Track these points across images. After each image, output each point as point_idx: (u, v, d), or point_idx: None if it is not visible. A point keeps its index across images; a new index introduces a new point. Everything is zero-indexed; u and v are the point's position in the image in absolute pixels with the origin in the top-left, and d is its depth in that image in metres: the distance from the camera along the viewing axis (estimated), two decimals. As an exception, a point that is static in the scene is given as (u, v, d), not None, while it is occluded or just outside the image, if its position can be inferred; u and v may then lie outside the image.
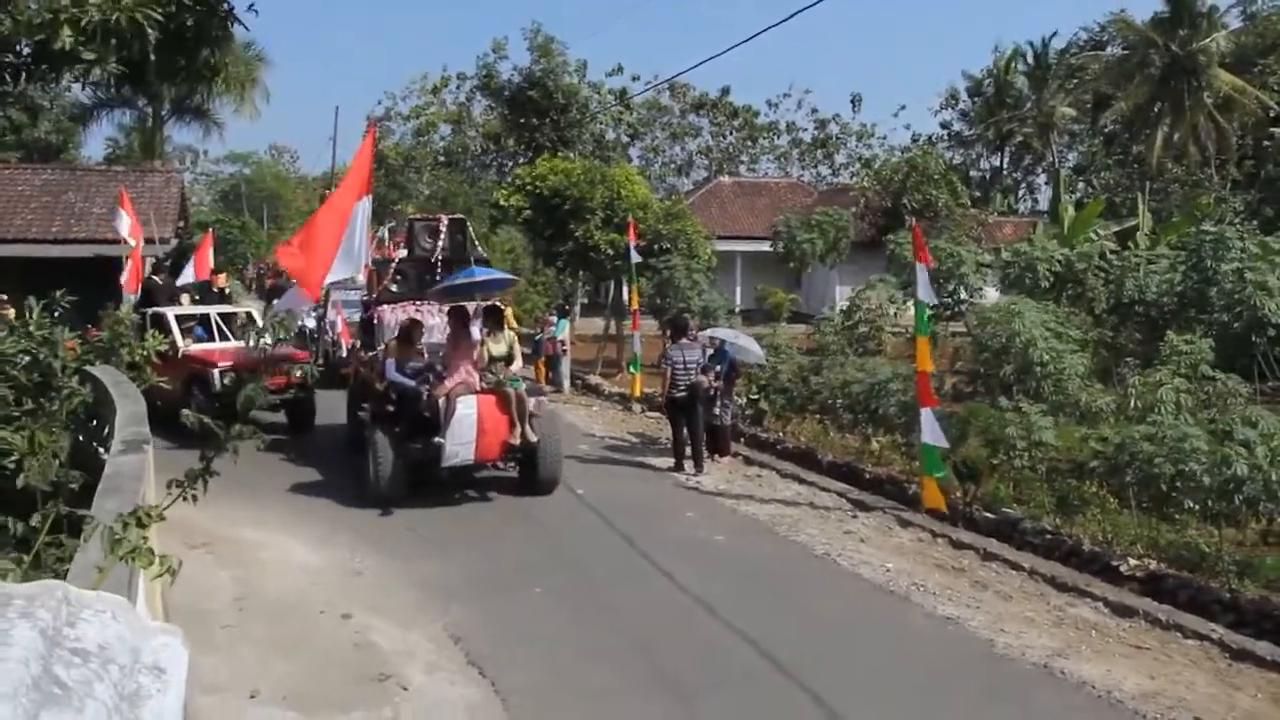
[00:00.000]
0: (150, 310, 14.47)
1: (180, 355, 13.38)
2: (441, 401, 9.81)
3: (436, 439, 9.79)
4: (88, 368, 8.42)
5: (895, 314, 17.77)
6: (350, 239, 10.99)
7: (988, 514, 9.97)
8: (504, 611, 7.43)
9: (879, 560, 8.82)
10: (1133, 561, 8.45)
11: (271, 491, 10.65)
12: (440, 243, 12.43)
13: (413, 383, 10.32)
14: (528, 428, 10.20)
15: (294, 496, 10.57)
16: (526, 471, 10.68)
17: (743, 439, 13.95)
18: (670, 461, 12.46)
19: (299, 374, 13.81)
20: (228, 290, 19.88)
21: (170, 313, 14.30)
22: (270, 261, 43.29)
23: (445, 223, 12.63)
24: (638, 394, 17.20)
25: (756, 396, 14.67)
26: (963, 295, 16.80)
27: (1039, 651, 6.79)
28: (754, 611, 7.43)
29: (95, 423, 7.88)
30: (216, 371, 13.07)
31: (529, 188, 23.48)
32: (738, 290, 34.69)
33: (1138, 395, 10.05)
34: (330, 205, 11.45)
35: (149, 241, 18.16)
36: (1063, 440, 10.33)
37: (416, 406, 10.03)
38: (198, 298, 17.34)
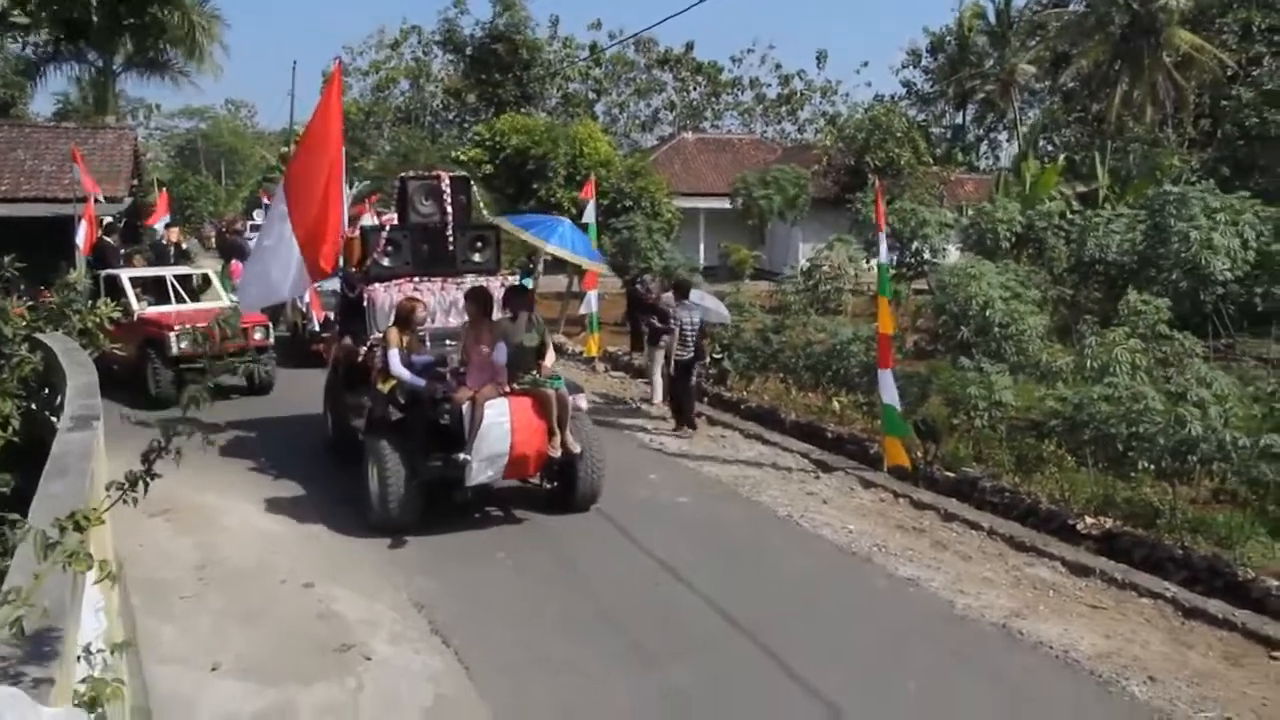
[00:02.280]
0: (104, 272, 14.17)
1: (136, 319, 13.12)
2: (465, 407, 8.00)
3: (461, 454, 7.96)
4: (38, 335, 8.23)
5: (855, 274, 17.82)
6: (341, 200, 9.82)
7: (948, 473, 10.06)
8: (467, 579, 7.41)
9: (841, 521, 8.89)
10: (1089, 520, 8.56)
11: (232, 457, 10.52)
12: (444, 205, 9.97)
13: (424, 382, 8.48)
14: (569, 436, 8.42)
15: (255, 462, 10.42)
16: (561, 486, 8.89)
17: (706, 399, 13.97)
18: (645, 422, 12.63)
19: (257, 336, 13.69)
20: (185, 247, 19.52)
21: (124, 274, 14.01)
22: (229, 218, 42.60)
23: (446, 182, 10.04)
24: (597, 353, 17.16)
25: (720, 356, 14.68)
26: (926, 255, 16.86)
27: (998, 612, 6.89)
28: (718, 575, 7.47)
29: (47, 391, 7.72)
30: (173, 335, 12.84)
31: (490, 144, 23.22)
32: (701, 247, 34.60)
33: (1094, 356, 10.15)
34: (309, 168, 9.67)
35: (105, 200, 17.78)
36: (1022, 399, 10.44)
37: (434, 413, 8.21)
38: (151, 257, 17.04)
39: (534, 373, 8.47)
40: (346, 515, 8.63)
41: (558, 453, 8.33)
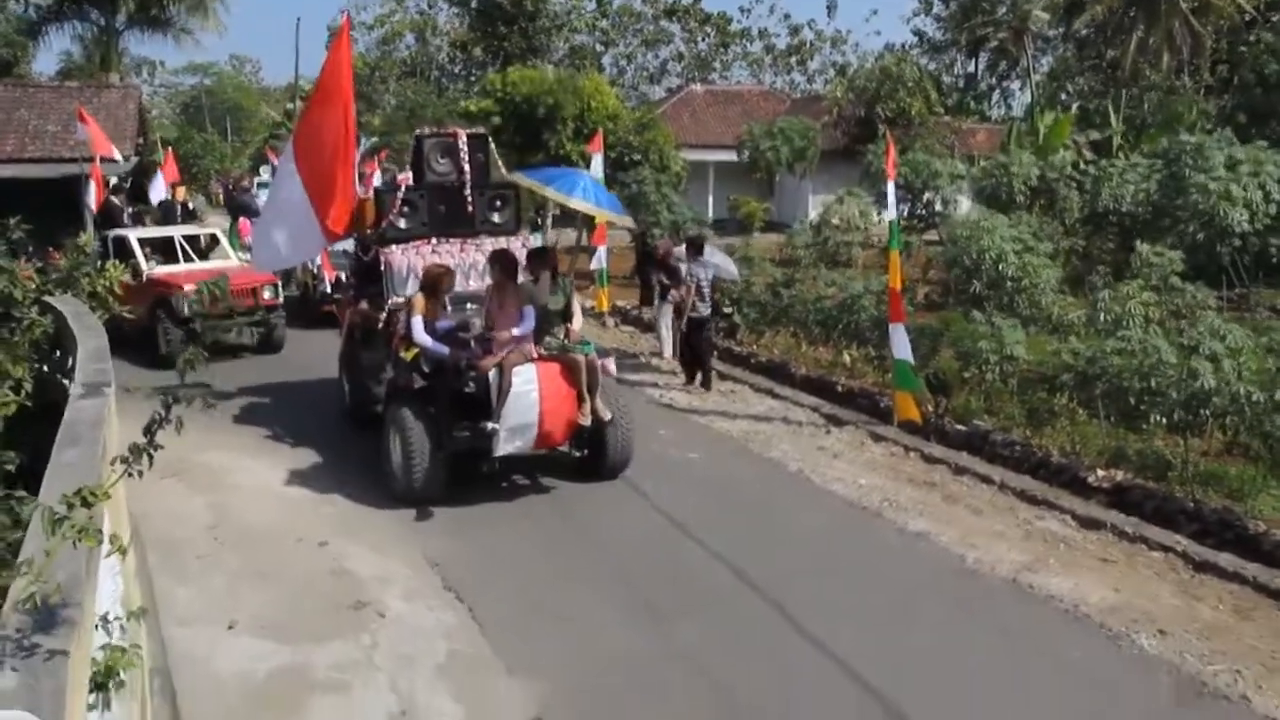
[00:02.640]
0: (112, 233, 14.15)
1: (145, 279, 13.13)
2: (492, 374, 7.74)
3: (488, 424, 7.72)
4: (47, 298, 8.24)
5: (866, 228, 17.70)
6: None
7: (959, 426, 10.05)
8: (480, 536, 7.45)
9: (851, 476, 8.90)
10: (1100, 473, 8.56)
11: (243, 418, 10.56)
12: (461, 164, 9.50)
13: (448, 350, 8.11)
14: (599, 403, 8.13)
15: (266, 422, 10.46)
16: (591, 454, 8.60)
17: (716, 353, 13.94)
18: (655, 377, 12.66)
19: (266, 295, 13.70)
20: (191, 206, 19.46)
21: (133, 235, 13.99)
22: (236, 175, 42.45)
23: (463, 140, 9.60)
24: (606, 308, 17.14)
25: (730, 310, 14.63)
26: (937, 207, 16.75)
27: (1008, 566, 6.91)
28: (729, 532, 7.50)
29: (58, 354, 7.74)
30: (183, 295, 12.85)
31: (499, 94, 23.02)
32: (710, 200, 34.38)
33: (1107, 309, 10.07)
34: (318, 127, 9.14)
35: (109, 160, 17.71)
36: (1034, 353, 10.39)
37: (458, 381, 7.92)
38: (159, 216, 17.00)
39: (561, 337, 8.31)
40: (359, 474, 8.67)
41: (588, 421, 8.04)
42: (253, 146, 60.01)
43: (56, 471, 3.51)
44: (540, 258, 8.69)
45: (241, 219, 20.42)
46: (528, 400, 7.74)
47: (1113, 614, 6.19)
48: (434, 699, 5.29)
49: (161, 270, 13.57)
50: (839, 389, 11.72)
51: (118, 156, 17.46)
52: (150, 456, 2.74)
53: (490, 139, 9.99)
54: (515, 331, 8.00)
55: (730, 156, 31.18)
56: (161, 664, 5.47)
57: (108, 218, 15.21)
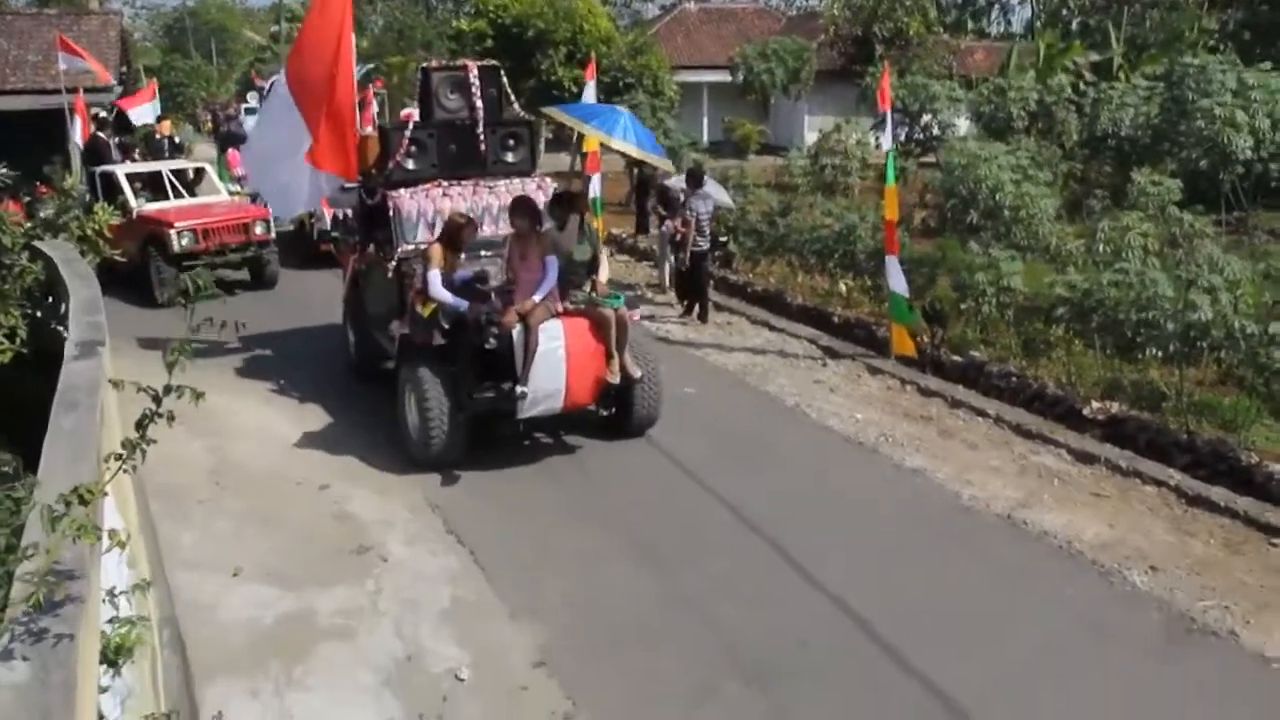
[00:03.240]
0: (99, 169, 13.95)
1: (135, 216, 12.99)
2: (516, 331, 7.26)
3: (513, 385, 7.31)
4: (37, 243, 8.16)
5: (863, 156, 17.49)
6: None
7: (955, 357, 10.07)
8: (480, 478, 7.49)
9: (848, 410, 8.95)
10: (1095, 405, 8.61)
11: (240, 358, 10.54)
12: (473, 100, 8.83)
13: (468, 305, 7.57)
14: (628, 359, 7.71)
15: (264, 362, 10.45)
16: (617, 412, 8.21)
17: (713, 283, 13.90)
18: (650, 309, 12.63)
19: (258, 230, 13.58)
20: (178, 139, 19.18)
21: (120, 171, 13.79)
22: (223, 101, 41.75)
23: (474, 73, 8.86)
24: (602, 237, 17.01)
25: (725, 239, 14.55)
26: (935, 131, 16.56)
27: (1003, 503, 6.98)
28: (728, 470, 7.56)
29: (51, 299, 7.69)
30: (174, 232, 12.73)
31: (490, 15, 22.56)
32: (704, 123, 33.94)
33: (1105, 239, 10.02)
34: (314, 59, 9.03)
35: (98, 89, 17.43)
36: (1030, 282, 10.37)
37: (479, 338, 7.40)
38: (146, 150, 16.76)
39: (589, 290, 7.84)
40: (359, 416, 8.71)
41: (617, 379, 7.59)
42: (239, 70, 58.95)
43: (56, 439, 3.51)
44: (566, 202, 8.15)
45: (230, 150, 20.16)
46: (554, 359, 7.34)
47: (1105, 550, 6.28)
48: (438, 644, 5.38)
49: (151, 207, 13.42)
50: (835, 320, 11.72)
51: (109, 82, 17.13)
52: (144, 452, 2.74)
53: (501, 72, 9.32)
54: (539, 285, 7.51)
55: (725, 77, 30.71)
56: (169, 613, 5.55)
57: (94, 153, 14.97)
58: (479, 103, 8.85)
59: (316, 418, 8.77)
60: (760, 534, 6.53)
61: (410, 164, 8.76)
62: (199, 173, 14.93)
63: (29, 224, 9.05)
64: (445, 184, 8.79)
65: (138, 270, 12.85)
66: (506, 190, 8.73)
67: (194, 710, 4.77)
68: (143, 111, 19.07)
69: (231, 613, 5.68)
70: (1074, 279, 9.40)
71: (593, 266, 7.98)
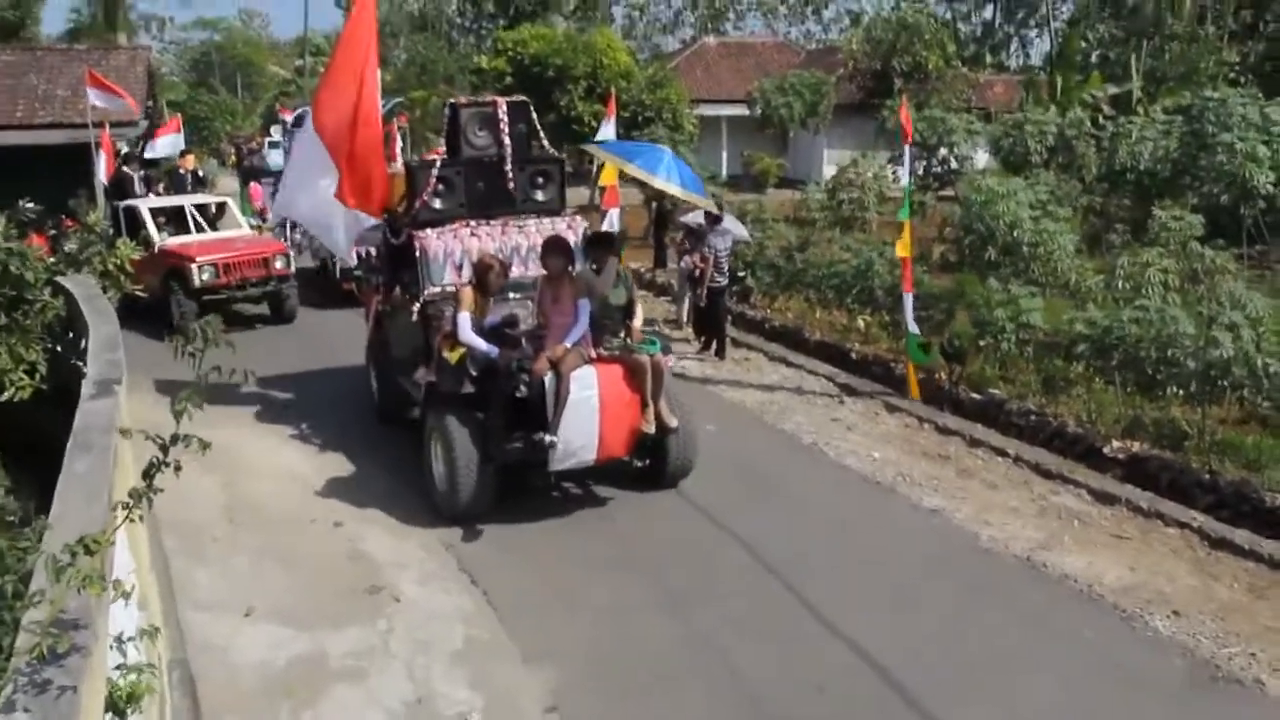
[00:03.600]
0: (123, 204, 14.12)
1: (157, 250, 13.12)
2: (548, 379, 6.97)
3: (544, 435, 6.94)
4: (59, 279, 8.23)
5: (881, 190, 17.49)
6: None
7: (974, 395, 10.00)
8: (493, 518, 7.42)
9: (865, 449, 8.88)
10: (1116, 444, 8.51)
11: (256, 394, 10.55)
12: (501, 136, 8.51)
13: (498, 351, 7.25)
14: (664, 407, 7.38)
15: (277, 397, 10.49)
16: (652, 463, 7.85)
17: (730, 318, 13.89)
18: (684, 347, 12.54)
19: (279, 265, 13.69)
20: (201, 173, 19.40)
21: (143, 206, 13.96)
22: (246, 135, 42.28)
23: (504, 109, 8.57)
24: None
25: (743, 274, 14.55)
26: (953, 165, 16.55)
27: (1023, 544, 6.89)
28: (744, 509, 7.50)
29: (71, 335, 7.76)
30: (195, 266, 12.85)
31: (510, 53, 22.80)
32: (723, 156, 34.05)
33: (1126, 275, 9.96)
34: (340, 93, 8.61)
35: (124, 124, 17.66)
36: (1050, 317, 10.31)
37: (509, 386, 7.08)
38: (170, 184, 16.95)
39: (624, 335, 7.47)
40: (373, 455, 8.70)
41: (652, 429, 7.26)
42: (263, 104, 59.72)
43: (69, 482, 3.53)
44: (603, 244, 7.84)
45: (252, 184, 20.38)
46: (587, 408, 7.00)
47: (1127, 594, 6.18)
48: (450, 686, 5.34)
49: (173, 241, 13.56)
50: (853, 356, 11.68)
51: (136, 116, 17.31)
52: (150, 501, 2.74)
53: (531, 107, 8.99)
54: (571, 329, 7.22)
55: (744, 111, 30.84)
56: (180, 654, 5.54)
57: (119, 187, 15.17)
58: (507, 139, 8.56)
59: (329, 455, 8.77)
60: (777, 576, 6.46)
61: (437, 203, 8.47)
62: (221, 207, 15.07)
63: (52, 259, 9.15)
64: (473, 223, 8.53)
65: (159, 304, 12.96)
66: (536, 230, 8.55)
67: (203, 754, 4.74)
68: (166, 144, 19.32)
69: (243, 654, 5.66)
70: (1094, 315, 9.33)
71: (628, 311, 7.64)
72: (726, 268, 12.13)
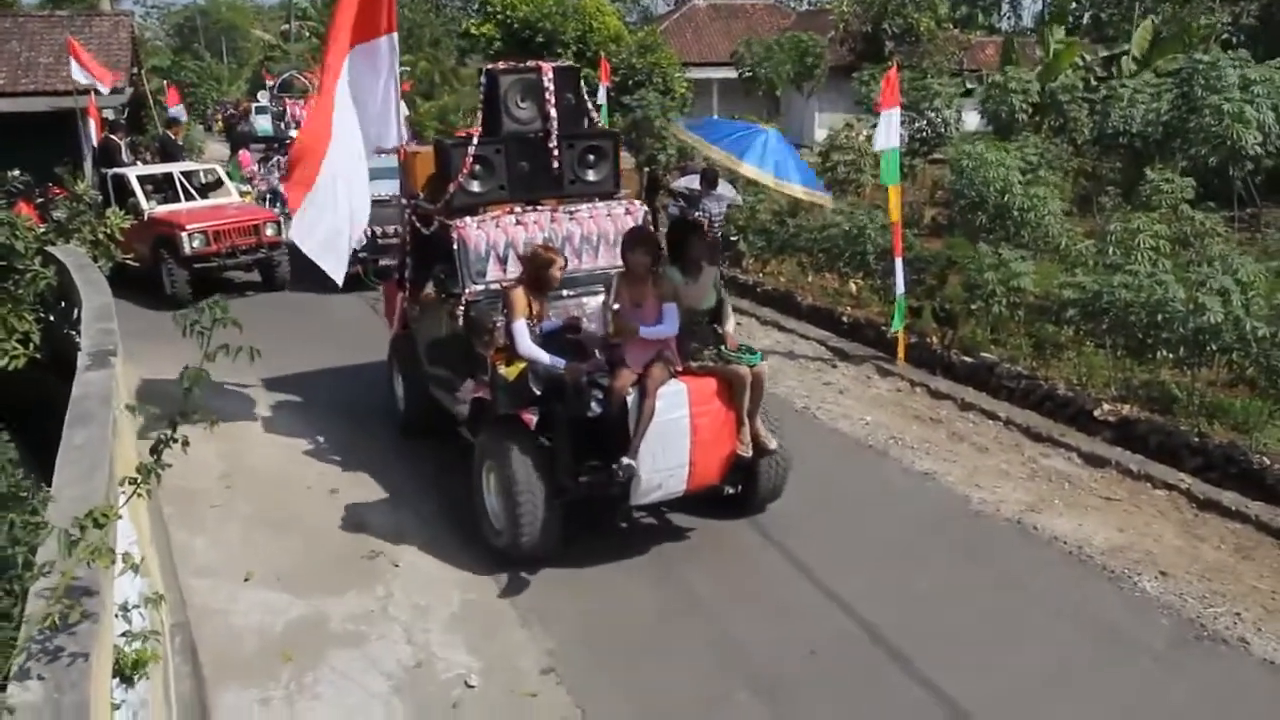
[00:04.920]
0: (111, 171, 14.03)
1: (146, 219, 13.06)
2: (630, 397, 5.87)
3: (625, 461, 5.79)
4: (50, 248, 8.20)
5: (875, 154, 17.48)
6: (361, 99, 7.86)
7: (965, 358, 10.05)
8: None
9: (858, 413, 8.94)
10: (1106, 406, 8.58)
11: (254, 365, 10.52)
12: (547, 108, 7.28)
13: (565, 364, 6.05)
14: (761, 426, 6.37)
15: (274, 363, 10.43)
16: (742, 488, 6.75)
17: (723, 281, 13.89)
18: None
19: (269, 232, 13.64)
20: (180, 141, 19.26)
21: (132, 174, 13.87)
22: (233, 101, 41.89)
23: (549, 76, 7.32)
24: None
25: (735, 238, 14.54)
26: (939, 129, 16.55)
27: (1013, 506, 6.98)
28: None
29: (63, 304, 7.75)
30: (185, 234, 12.80)
31: (500, 16, 22.61)
32: (714, 119, 33.89)
33: (1116, 240, 9.98)
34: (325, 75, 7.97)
35: (111, 91, 17.50)
36: (1041, 281, 10.35)
37: (582, 405, 6.00)
38: (160, 150, 16.85)
39: (720, 345, 6.33)
40: (369, 421, 8.72)
41: (749, 451, 6.27)
42: (249, 69, 59.10)
43: (68, 454, 3.55)
44: (691, 237, 6.49)
45: (241, 151, 20.28)
46: (677, 430, 5.93)
47: (1115, 555, 6.27)
48: (449, 650, 5.40)
49: (163, 209, 13.50)
50: (844, 320, 11.71)
51: (104, 89, 17.14)
52: (159, 476, 2.77)
53: (580, 73, 7.91)
54: (655, 334, 6.09)
55: (734, 74, 30.67)
56: (181, 618, 5.59)
57: (106, 154, 15.07)
58: (553, 111, 7.32)
59: (325, 422, 8.79)
60: (769, 538, 6.54)
61: (475, 185, 7.27)
62: (210, 174, 14.99)
63: (42, 227, 9.10)
64: (517, 209, 7.42)
65: (149, 272, 12.92)
66: (590, 216, 7.52)
67: (205, 718, 4.81)
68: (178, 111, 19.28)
69: (243, 619, 5.72)
70: (1084, 280, 9.37)
71: (716, 314, 6.52)
72: (720, 233, 12.10)
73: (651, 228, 7.45)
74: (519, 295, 6.21)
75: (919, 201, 17.24)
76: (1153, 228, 9.98)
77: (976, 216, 11.23)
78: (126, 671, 2.82)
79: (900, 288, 9.97)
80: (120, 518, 2.62)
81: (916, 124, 18.15)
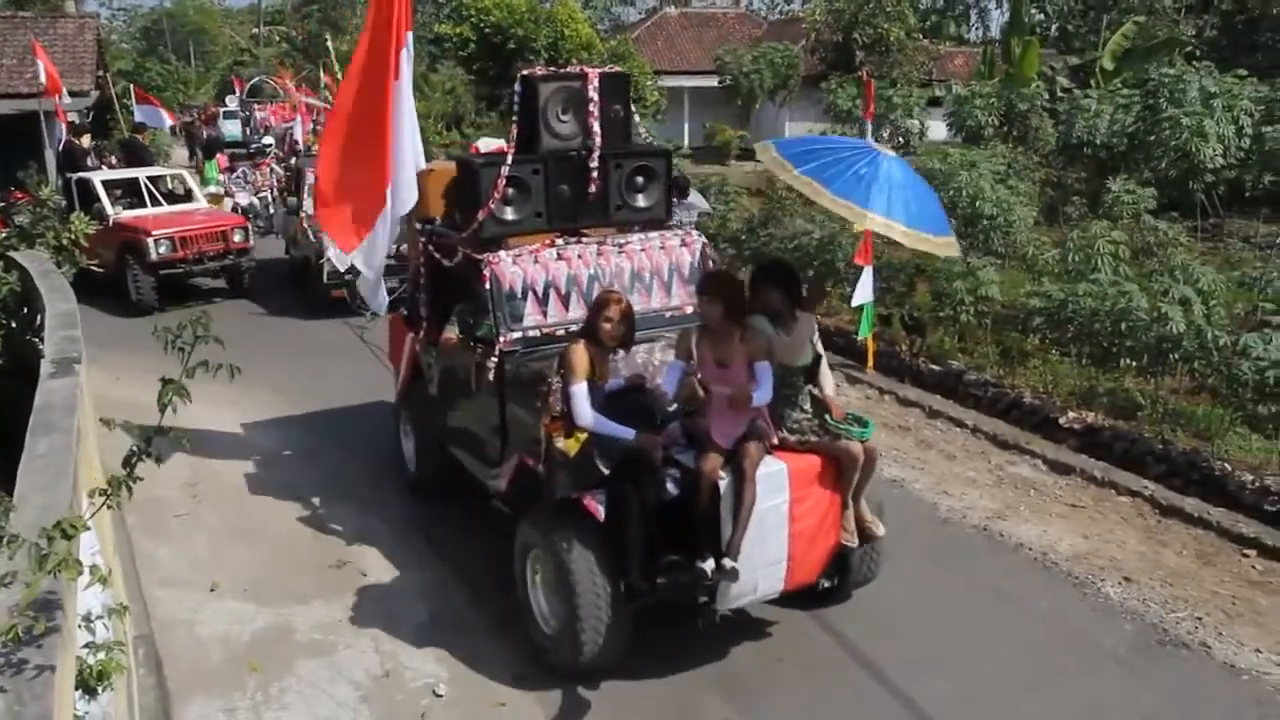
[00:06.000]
0: (75, 176, 13.87)
1: (112, 224, 12.92)
2: (723, 481, 4.80)
3: (727, 565, 4.74)
4: (12, 254, 8.11)
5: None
6: (399, 135, 6.76)
7: (934, 366, 10.14)
8: (462, 493, 7.42)
9: (827, 421, 8.97)
10: (1071, 414, 8.68)
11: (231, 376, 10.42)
12: (591, 122, 6.16)
13: (634, 435, 4.91)
14: (865, 508, 5.37)
15: (246, 374, 10.34)
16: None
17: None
18: None
19: (237, 238, 13.54)
20: (153, 149, 19.11)
21: (96, 178, 13.71)
22: (200, 105, 41.55)
23: (595, 84, 6.17)
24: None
25: (705, 247, 14.53)
26: (904, 139, 16.74)
27: (980, 513, 7.04)
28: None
29: (26, 310, 7.65)
30: (151, 240, 12.67)
31: (472, 19, 22.59)
32: (685, 127, 34.02)
33: (1076, 249, 10.11)
34: (351, 91, 7.04)
35: (74, 94, 17.33)
36: (1009, 290, 10.46)
37: (655, 486, 4.89)
38: (125, 156, 16.67)
39: (823, 413, 5.22)
40: (338, 430, 8.67)
41: (855, 541, 5.28)
42: (217, 73, 58.65)
43: (31, 464, 3.51)
44: (784, 282, 5.30)
45: (219, 155, 20.23)
46: (775, 519, 4.94)
47: (1080, 562, 6.34)
48: (417, 659, 5.38)
49: (128, 215, 13.35)
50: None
51: (66, 101, 16.94)
52: (130, 489, 2.75)
53: (630, 80, 6.85)
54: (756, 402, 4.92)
55: (706, 82, 30.83)
56: (145, 629, 5.53)
57: (70, 158, 14.89)
58: (597, 126, 6.21)
59: (293, 427, 8.74)
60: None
61: (509, 212, 6.15)
62: (177, 179, 14.85)
63: (3, 233, 9.00)
64: (560, 240, 6.31)
65: (114, 278, 12.79)
66: (641, 248, 6.44)
67: (171, 730, 4.76)
68: (148, 113, 19.10)
69: (209, 629, 5.66)
70: (1050, 289, 9.48)
71: (812, 371, 5.42)
72: None
73: (713, 261, 6.67)
74: (579, 353, 5.03)
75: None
76: (1109, 234, 10.12)
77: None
78: (91, 683, 2.79)
79: (869, 295, 10.02)
80: (89, 528, 2.59)
81: (885, 133, 18.34)
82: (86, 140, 15.46)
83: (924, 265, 11.08)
